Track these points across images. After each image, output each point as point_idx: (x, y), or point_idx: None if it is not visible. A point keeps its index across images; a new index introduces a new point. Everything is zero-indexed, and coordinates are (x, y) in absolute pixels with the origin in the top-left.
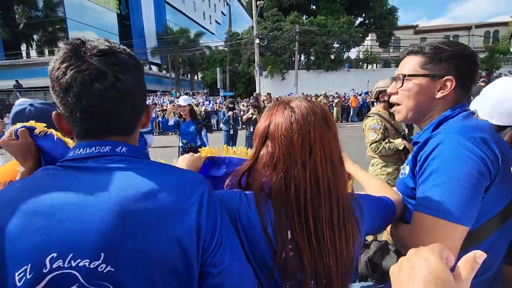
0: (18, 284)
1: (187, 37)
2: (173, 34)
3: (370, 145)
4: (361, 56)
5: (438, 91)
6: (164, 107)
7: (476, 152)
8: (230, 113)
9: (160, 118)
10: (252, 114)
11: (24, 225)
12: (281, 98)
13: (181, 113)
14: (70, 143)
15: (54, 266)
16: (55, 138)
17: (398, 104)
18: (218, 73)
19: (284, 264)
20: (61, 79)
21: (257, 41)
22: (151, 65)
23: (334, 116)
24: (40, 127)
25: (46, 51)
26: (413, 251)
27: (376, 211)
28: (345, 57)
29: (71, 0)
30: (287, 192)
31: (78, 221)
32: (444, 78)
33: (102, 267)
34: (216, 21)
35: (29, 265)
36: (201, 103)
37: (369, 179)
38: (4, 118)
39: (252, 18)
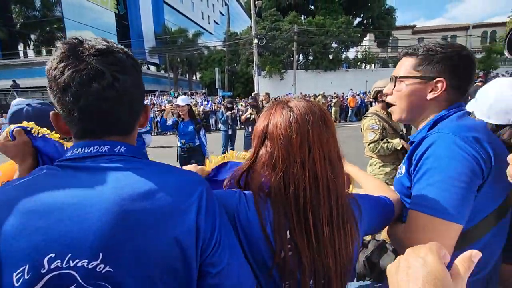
0: (16, 285)
1: (186, 37)
2: (171, 34)
3: (369, 145)
4: (360, 56)
5: (430, 92)
6: (163, 107)
7: (469, 151)
8: (228, 113)
9: (158, 118)
10: (251, 114)
11: (21, 225)
12: (279, 98)
13: (180, 113)
14: (68, 144)
15: (52, 266)
16: (52, 139)
17: (393, 105)
18: (217, 73)
19: (283, 263)
20: (58, 78)
21: (255, 41)
22: (149, 65)
23: (333, 116)
24: (35, 127)
25: (44, 51)
26: (411, 250)
27: (375, 210)
28: (343, 57)
29: (68, 0)
30: (286, 192)
31: (77, 221)
32: (435, 80)
33: (100, 267)
34: (214, 21)
35: (27, 265)
36: (199, 103)
37: (368, 179)
38: (1, 118)
39: (250, 18)
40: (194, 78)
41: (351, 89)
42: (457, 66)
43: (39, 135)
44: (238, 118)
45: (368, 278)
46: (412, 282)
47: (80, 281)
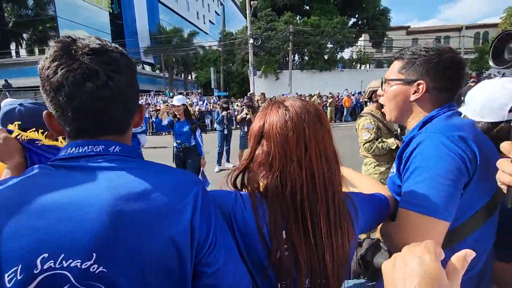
0: (8, 285)
1: (181, 37)
2: (166, 34)
3: (364, 144)
4: (355, 56)
5: (413, 94)
6: (158, 107)
7: (454, 150)
8: (224, 113)
9: (153, 118)
10: (246, 114)
11: (14, 226)
12: (275, 98)
13: (176, 113)
14: (59, 145)
15: (45, 266)
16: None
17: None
18: (212, 73)
19: (279, 263)
20: (51, 78)
21: (251, 41)
22: (144, 65)
23: (328, 116)
24: (18, 131)
25: (36, 50)
26: (407, 249)
27: (370, 207)
28: (338, 57)
29: None
30: (283, 191)
31: (70, 221)
32: (416, 82)
33: (94, 268)
34: (210, 20)
35: (20, 266)
36: (195, 103)
37: (362, 179)
38: None
39: (246, 18)
40: (189, 78)
41: (346, 89)
42: (438, 68)
43: (25, 140)
44: (233, 118)
45: (363, 277)
46: (408, 280)
47: (73, 281)
